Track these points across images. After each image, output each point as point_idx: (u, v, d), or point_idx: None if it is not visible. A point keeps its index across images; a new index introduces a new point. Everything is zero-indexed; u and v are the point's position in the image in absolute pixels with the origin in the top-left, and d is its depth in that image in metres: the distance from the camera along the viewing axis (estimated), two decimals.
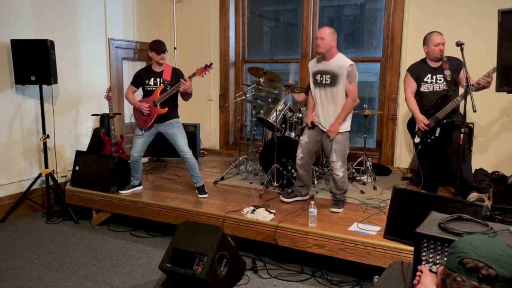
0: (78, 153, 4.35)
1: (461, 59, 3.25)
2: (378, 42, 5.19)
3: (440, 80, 3.68)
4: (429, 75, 3.73)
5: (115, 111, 4.94)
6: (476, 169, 4.35)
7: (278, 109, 4.29)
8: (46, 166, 4.39)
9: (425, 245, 1.79)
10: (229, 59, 5.96)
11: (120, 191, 4.05)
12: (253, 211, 3.36)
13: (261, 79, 4.49)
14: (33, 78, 4.10)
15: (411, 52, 4.78)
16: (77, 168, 4.29)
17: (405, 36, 4.82)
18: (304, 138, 3.58)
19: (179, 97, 4.00)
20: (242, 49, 6.08)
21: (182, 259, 2.76)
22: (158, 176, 4.77)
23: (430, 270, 1.69)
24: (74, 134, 4.94)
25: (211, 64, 3.89)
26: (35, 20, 4.39)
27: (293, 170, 3.99)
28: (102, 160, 4.23)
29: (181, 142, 3.92)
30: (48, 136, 4.37)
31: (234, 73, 6.10)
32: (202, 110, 6.23)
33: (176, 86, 3.80)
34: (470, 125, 4.37)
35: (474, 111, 3.12)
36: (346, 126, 3.41)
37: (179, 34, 6.16)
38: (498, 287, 1.14)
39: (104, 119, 5.03)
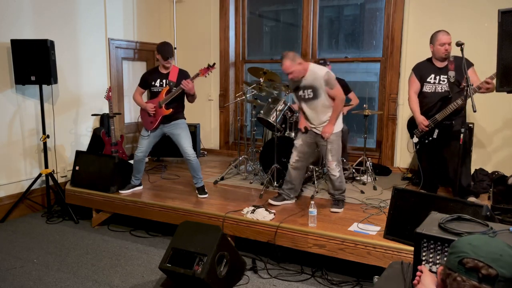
0: (78, 153, 4.35)
1: (469, 59, 3.21)
2: (378, 42, 5.19)
3: (444, 81, 3.62)
4: (432, 75, 3.68)
5: (115, 111, 4.94)
6: (476, 169, 4.35)
7: (278, 109, 4.29)
8: (46, 166, 4.39)
9: (425, 245, 1.79)
10: (229, 59, 5.97)
11: (120, 191, 4.06)
12: (253, 211, 3.36)
13: (261, 79, 4.49)
14: (33, 78, 4.10)
15: (411, 52, 4.79)
16: (77, 168, 4.30)
17: (405, 36, 4.82)
18: (298, 142, 3.60)
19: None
20: (242, 49, 6.08)
21: (182, 259, 2.76)
22: (158, 176, 4.77)
23: (430, 270, 1.69)
24: (74, 134, 4.95)
25: (214, 64, 3.91)
26: (35, 20, 4.39)
27: None
28: (102, 160, 4.23)
29: (186, 143, 3.92)
30: (48, 136, 4.37)
31: (234, 73, 6.10)
32: (202, 110, 6.23)
33: (179, 87, 3.80)
34: (470, 125, 4.36)
35: (474, 111, 3.11)
36: (338, 126, 3.45)
37: (179, 34, 6.16)
38: (498, 286, 1.14)
39: (104, 119, 5.03)
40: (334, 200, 3.54)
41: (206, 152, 6.10)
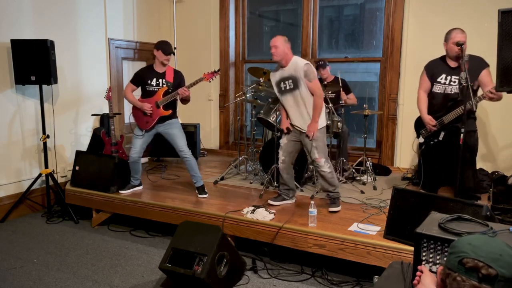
0: (78, 153, 4.35)
1: (484, 60, 3.13)
2: (378, 42, 5.19)
3: (455, 82, 3.47)
4: (443, 75, 3.55)
5: (115, 111, 4.94)
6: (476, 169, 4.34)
7: (278, 109, 4.29)
8: (46, 166, 4.39)
9: (425, 245, 1.79)
10: (229, 59, 5.97)
11: (120, 191, 4.05)
12: (253, 211, 3.36)
13: (261, 79, 4.49)
14: (33, 78, 4.10)
15: (411, 52, 4.79)
16: (77, 168, 4.30)
17: (405, 36, 4.82)
18: (283, 141, 3.61)
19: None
20: (242, 49, 6.08)
21: (182, 259, 2.76)
22: (158, 176, 4.77)
23: (430, 270, 1.69)
24: (74, 134, 4.95)
25: (219, 70, 3.94)
26: (35, 20, 4.39)
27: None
28: (102, 160, 4.23)
29: (181, 142, 3.92)
30: (48, 136, 4.37)
31: (234, 73, 6.10)
32: (202, 110, 6.23)
33: (176, 92, 3.81)
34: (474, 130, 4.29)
35: (474, 111, 3.12)
36: (322, 122, 3.45)
37: (179, 34, 6.16)
38: (498, 286, 1.14)
39: (104, 119, 5.03)
40: (330, 199, 3.54)
41: (206, 152, 6.10)
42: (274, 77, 3.55)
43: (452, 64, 3.54)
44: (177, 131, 3.95)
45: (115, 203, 3.98)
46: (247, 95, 4.69)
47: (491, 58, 3.24)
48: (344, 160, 4.54)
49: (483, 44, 4.27)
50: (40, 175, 4.36)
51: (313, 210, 3.13)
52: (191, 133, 5.38)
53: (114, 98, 5.38)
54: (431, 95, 3.65)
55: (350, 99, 4.81)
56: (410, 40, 4.79)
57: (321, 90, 3.42)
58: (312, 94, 3.39)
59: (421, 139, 3.73)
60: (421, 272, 1.49)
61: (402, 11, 4.79)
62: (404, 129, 4.94)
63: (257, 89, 4.51)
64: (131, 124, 5.73)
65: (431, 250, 1.77)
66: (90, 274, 3.12)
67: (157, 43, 3.87)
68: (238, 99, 5.01)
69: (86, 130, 5.07)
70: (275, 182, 4.12)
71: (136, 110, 3.96)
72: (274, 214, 3.35)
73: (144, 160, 5.43)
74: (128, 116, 5.67)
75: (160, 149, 5.47)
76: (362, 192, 4.08)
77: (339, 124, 4.36)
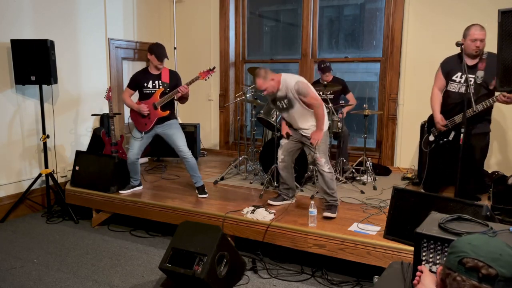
0: (78, 153, 4.35)
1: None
2: (378, 42, 5.19)
3: (470, 81, 3.28)
4: (459, 74, 3.43)
5: (115, 111, 4.94)
6: None
7: None
8: (46, 166, 4.39)
9: (425, 245, 1.79)
10: (229, 59, 5.97)
11: (120, 191, 4.05)
12: (253, 211, 3.36)
13: None
14: (33, 78, 4.10)
15: (411, 52, 4.79)
16: (77, 168, 4.30)
17: (405, 36, 4.82)
18: (284, 140, 3.60)
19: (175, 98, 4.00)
20: (242, 49, 6.08)
21: (182, 259, 2.76)
22: (158, 176, 4.77)
23: (430, 270, 1.69)
24: (74, 134, 4.95)
25: (214, 68, 3.93)
26: (35, 20, 4.39)
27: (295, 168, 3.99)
28: (102, 160, 4.23)
29: (180, 142, 3.92)
30: (48, 136, 4.37)
31: (234, 73, 6.10)
32: (202, 110, 6.23)
33: (175, 91, 3.80)
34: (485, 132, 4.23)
35: (474, 111, 3.12)
36: (324, 125, 3.41)
37: (179, 34, 6.16)
38: (498, 286, 1.14)
39: (104, 119, 5.03)
40: (327, 204, 3.44)
41: (206, 152, 6.10)
42: (269, 96, 3.51)
43: (469, 62, 3.38)
44: (176, 131, 3.95)
45: (115, 203, 3.98)
46: (247, 95, 4.69)
47: None
48: (344, 160, 4.54)
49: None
50: (40, 175, 4.36)
51: (313, 210, 3.12)
52: (191, 133, 5.38)
53: (114, 98, 5.38)
54: (446, 93, 3.56)
55: (349, 100, 4.82)
56: (410, 40, 4.79)
57: (319, 100, 3.32)
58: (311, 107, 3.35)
59: (432, 137, 3.70)
60: (421, 272, 1.49)
61: (402, 11, 4.79)
62: (404, 129, 4.94)
63: (257, 89, 4.50)
64: (129, 124, 5.75)
65: (431, 250, 1.77)
66: (90, 274, 3.12)
67: (150, 46, 3.85)
68: (238, 99, 5.01)
69: (86, 130, 5.07)
70: (275, 182, 4.12)
71: (134, 113, 3.97)
72: (274, 214, 3.35)
73: (144, 160, 5.44)
74: (128, 117, 5.70)
75: (160, 149, 5.46)
76: (362, 192, 4.08)
77: (339, 124, 4.35)
